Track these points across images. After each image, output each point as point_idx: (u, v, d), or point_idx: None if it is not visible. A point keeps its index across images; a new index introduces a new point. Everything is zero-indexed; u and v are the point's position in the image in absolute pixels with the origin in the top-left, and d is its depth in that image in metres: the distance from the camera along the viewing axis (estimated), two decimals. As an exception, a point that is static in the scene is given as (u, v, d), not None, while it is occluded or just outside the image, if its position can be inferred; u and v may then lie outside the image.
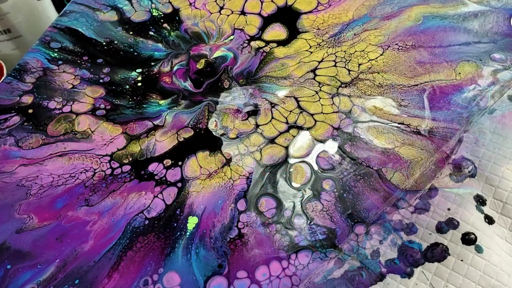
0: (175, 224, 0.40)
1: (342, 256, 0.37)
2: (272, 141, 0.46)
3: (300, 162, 0.44)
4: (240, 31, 0.58)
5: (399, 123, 0.45)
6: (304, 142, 0.45)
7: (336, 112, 0.47)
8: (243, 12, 0.60)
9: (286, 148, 0.45)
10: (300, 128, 0.46)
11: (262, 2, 0.60)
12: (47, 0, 0.79)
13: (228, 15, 0.60)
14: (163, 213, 0.41)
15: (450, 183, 0.40)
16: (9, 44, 0.77)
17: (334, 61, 0.52)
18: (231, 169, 0.44)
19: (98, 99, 0.51)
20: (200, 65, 0.55)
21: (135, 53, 0.56)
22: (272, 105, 0.49)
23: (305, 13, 0.59)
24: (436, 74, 0.49)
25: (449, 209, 0.38)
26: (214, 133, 0.47)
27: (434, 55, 0.51)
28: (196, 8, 0.62)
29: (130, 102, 0.51)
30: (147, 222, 0.40)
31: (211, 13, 0.61)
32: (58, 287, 0.37)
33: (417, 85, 0.48)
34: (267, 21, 0.59)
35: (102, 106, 0.50)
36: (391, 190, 0.41)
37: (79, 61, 0.55)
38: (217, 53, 0.56)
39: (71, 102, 0.51)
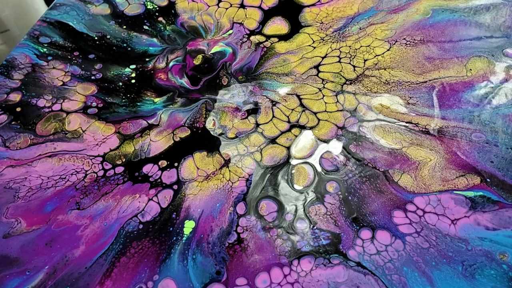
0: (171, 229, 0.40)
1: (347, 262, 0.37)
2: (273, 141, 0.46)
3: (303, 163, 0.44)
4: (240, 25, 0.58)
5: (407, 122, 0.45)
6: (306, 142, 0.45)
7: (341, 110, 0.47)
8: (242, 5, 0.60)
9: (288, 148, 0.45)
10: (303, 127, 0.47)
11: (262, -5, 0.60)
12: (36, -8, 0.79)
13: (226, 8, 0.60)
14: (158, 217, 0.41)
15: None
16: (-5, 39, 0.77)
17: (339, 56, 0.52)
18: (230, 170, 0.44)
19: (90, 96, 0.51)
20: (197, 61, 0.55)
21: (129, 48, 0.56)
22: (273, 103, 0.49)
23: (308, 6, 0.59)
24: (446, 71, 0.49)
25: None
26: (212, 133, 0.47)
27: (443, 50, 0.51)
28: (193, 1, 0.62)
29: (123, 100, 0.51)
30: (141, 226, 0.40)
31: (209, 6, 0.61)
32: (48, 295, 0.37)
33: (425, 82, 0.48)
34: (268, 14, 0.59)
35: (94, 104, 0.50)
36: (398, 192, 0.41)
37: (69, 57, 0.55)
38: (215, 48, 0.56)
39: (61, 100, 0.51)
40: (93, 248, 0.39)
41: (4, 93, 0.51)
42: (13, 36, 0.78)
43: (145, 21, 0.60)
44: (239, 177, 0.43)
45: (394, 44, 0.52)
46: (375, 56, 0.51)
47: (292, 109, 0.48)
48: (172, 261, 0.38)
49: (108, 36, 0.58)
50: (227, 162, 0.44)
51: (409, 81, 0.49)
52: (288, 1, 0.60)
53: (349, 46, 0.53)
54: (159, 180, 0.43)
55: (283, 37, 0.56)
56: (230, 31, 0.57)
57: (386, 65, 0.50)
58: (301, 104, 0.48)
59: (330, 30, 0.55)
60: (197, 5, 0.61)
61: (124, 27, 0.59)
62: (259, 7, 0.60)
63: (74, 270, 0.38)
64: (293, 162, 0.44)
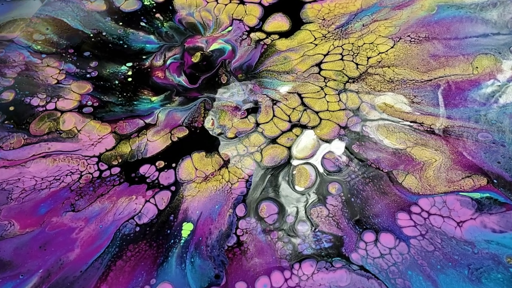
0: (169, 231, 0.40)
1: (349, 265, 0.37)
2: (273, 141, 0.46)
3: (304, 163, 0.44)
4: (239, 21, 0.58)
5: (411, 122, 0.45)
6: (308, 142, 0.45)
7: (343, 109, 0.47)
8: (242, 1, 0.60)
9: (289, 148, 0.45)
10: (304, 127, 0.47)
11: (262, -10, 0.60)
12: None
13: (226, 4, 0.60)
14: (156, 219, 0.41)
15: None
16: (-12, 36, 0.77)
17: (341, 54, 0.52)
18: (229, 171, 0.44)
19: (85, 95, 0.51)
20: (196, 58, 0.55)
21: (125, 46, 0.56)
22: (274, 102, 0.49)
23: (309, 2, 0.59)
24: (452, 69, 0.49)
25: None
26: (210, 133, 0.47)
27: (449, 47, 0.51)
28: (191, -4, 0.62)
29: (119, 99, 0.51)
30: (138, 228, 0.40)
31: (208, 2, 0.61)
32: (42, 300, 0.37)
33: (430, 80, 0.48)
34: (268, 10, 0.59)
35: (89, 103, 0.50)
36: (402, 194, 0.41)
37: (64, 54, 0.55)
38: (214, 46, 0.56)
39: (56, 99, 0.51)
40: (89, 251, 0.39)
41: (-4, 92, 0.51)
42: (6, 33, 0.78)
43: (142, 17, 0.60)
44: (239, 178, 0.43)
45: (398, 41, 0.52)
46: (378, 54, 0.51)
47: (293, 108, 0.48)
48: (169, 264, 0.38)
49: (104, 33, 0.58)
50: (226, 163, 0.44)
51: (413, 79, 0.49)
52: (289, -3, 0.60)
53: (352, 44, 0.53)
54: (156, 181, 0.44)
55: (284, 34, 0.56)
56: (230, 28, 0.57)
57: (390, 62, 0.50)
58: (303, 103, 0.48)
59: (332, 27, 0.55)
60: (196, 1, 0.61)
61: (120, 23, 0.59)
62: (259, 3, 0.60)
63: (69, 273, 0.38)
64: (294, 162, 0.44)
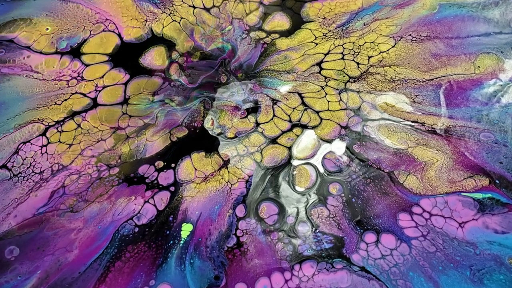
0: (168, 232, 0.40)
1: (350, 267, 0.37)
2: (273, 141, 0.46)
3: (305, 164, 0.44)
4: (239, 20, 0.58)
5: (412, 122, 0.45)
6: (308, 142, 0.45)
7: (344, 109, 0.47)
8: (242, 0, 0.60)
9: (289, 148, 0.45)
10: (305, 126, 0.46)
11: (263, -11, 0.60)
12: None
13: (225, 3, 0.60)
14: (155, 220, 0.41)
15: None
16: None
17: (342, 53, 0.52)
18: (229, 171, 0.44)
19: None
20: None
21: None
22: (274, 101, 0.49)
23: (310, 1, 0.59)
24: (453, 68, 0.49)
25: None
26: (210, 132, 0.47)
27: (451, 47, 0.51)
28: (191, -5, 0.62)
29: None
30: (137, 229, 0.40)
31: (207, 1, 0.61)
32: (40, 301, 0.37)
33: (432, 79, 0.48)
34: (269, 9, 0.59)
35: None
36: (404, 194, 0.41)
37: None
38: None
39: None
40: (87, 252, 0.39)
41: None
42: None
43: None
44: (239, 179, 0.43)
45: (400, 40, 0.52)
46: (379, 53, 0.51)
47: (294, 108, 0.48)
48: (169, 265, 0.38)
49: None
50: (226, 163, 0.44)
51: (415, 79, 0.48)
52: (289, -5, 0.60)
53: (353, 43, 0.53)
54: (155, 181, 0.43)
55: (284, 33, 0.55)
56: (230, 27, 0.57)
57: (391, 62, 0.50)
58: (303, 103, 0.48)
59: (333, 26, 0.55)
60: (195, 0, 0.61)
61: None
62: (260, 2, 0.59)
63: (68, 275, 0.38)
64: (295, 163, 0.44)
